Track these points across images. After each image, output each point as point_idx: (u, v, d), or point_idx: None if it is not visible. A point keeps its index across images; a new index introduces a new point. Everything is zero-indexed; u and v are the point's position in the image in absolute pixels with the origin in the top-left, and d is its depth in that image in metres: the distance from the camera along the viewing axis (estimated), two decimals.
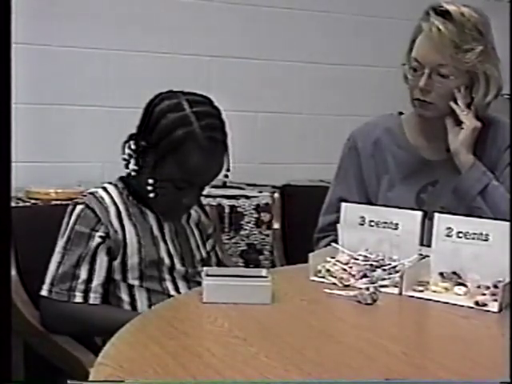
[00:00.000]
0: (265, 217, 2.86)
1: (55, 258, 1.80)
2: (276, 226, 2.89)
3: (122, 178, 1.88)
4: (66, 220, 1.82)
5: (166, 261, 1.82)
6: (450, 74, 1.87)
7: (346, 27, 3.36)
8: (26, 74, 2.57)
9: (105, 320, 1.72)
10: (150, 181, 1.76)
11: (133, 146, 1.80)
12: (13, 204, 2.26)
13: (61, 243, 1.80)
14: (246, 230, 2.82)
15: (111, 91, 2.94)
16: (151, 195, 1.77)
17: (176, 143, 1.72)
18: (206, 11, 3.10)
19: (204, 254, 1.94)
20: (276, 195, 2.93)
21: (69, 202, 2.38)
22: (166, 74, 2.93)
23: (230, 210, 2.79)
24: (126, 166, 1.83)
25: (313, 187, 3.03)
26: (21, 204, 2.38)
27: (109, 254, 1.79)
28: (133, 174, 1.81)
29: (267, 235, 2.87)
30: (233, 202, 2.79)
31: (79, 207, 1.80)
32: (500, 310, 1.45)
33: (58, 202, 2.40)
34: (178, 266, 1.84)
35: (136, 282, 1.80)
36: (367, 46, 3.39)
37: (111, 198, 1.82)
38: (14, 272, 1.98)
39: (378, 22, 3.41)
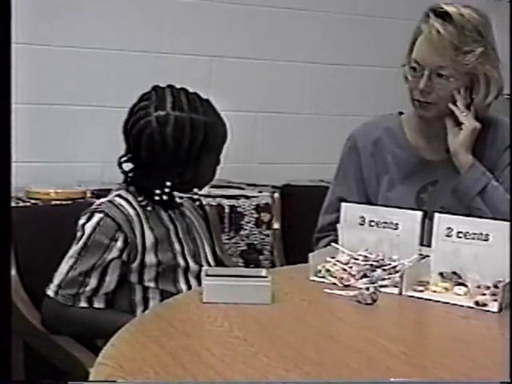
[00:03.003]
0: (265, 217, 2.86)
1: (67, 261, 1.78)
2: (276, 226, 2.89)
3: (127, 181, 1.87)
4: (81, 223, 1.80)
5: (182, 263, 1.84)
6: (449, 76, 1.86)
7: (346, 27, 3.36)
8: (26, 74, 2.57)
9: (108, 324, 1.72)
10: (196, 189, 1.91)
11: (169, 184, 1.82)
12: (13, 204, 2.25)
13: (75, 248, 1.78)
14: (246, 230, 2.82)
15: (111, 91, 2.94)
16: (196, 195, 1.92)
17: (202, 142, 1.81)
18: (205, 11, 3.09)
19: (211, 250, 1.96)
20: (276, 195, 2.93)
21: (69, 202, 2.39)
22: (165, 73, 2.93)
23: (229, 210, 2.78)
24: (128, 176, 1.86)
25: (313, 187, 3.03)
26: (21, 204, 2.38)
27: (125, 263, 1.79)
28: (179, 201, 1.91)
29: (267, 235, 2.87)
30: (233, 202, 2.79)
31: (98, 215, 1.78)
32: (500, 310, 1.45)
33: (58, 202, 2.40)
34: (191, 265, 1.85)
35: (152, 284, 1.81)
36: (367, 46, 3.39)
37: (129, 203, 1.82)
38: (14, 272, 1.98)
39: (378, 21, 3.40)
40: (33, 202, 2.42)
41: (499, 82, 1.91)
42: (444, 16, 1.85)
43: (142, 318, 1.43)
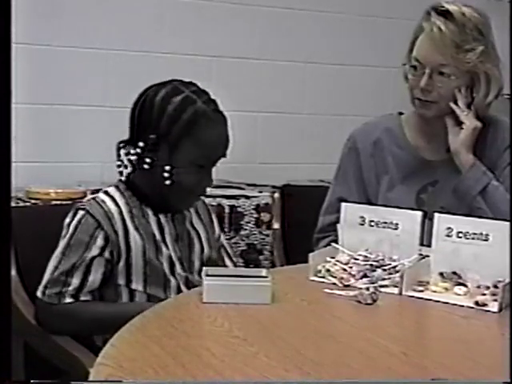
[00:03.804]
0: (265, 217, 2.86)
1: (53, 261, 1.79)
2: (276, 226, 2.89)
3: (121, 180, 1.86)
4: (67, 222, 1.80)
5: (168, 265, 1.81)
6: (450, 74, 1.87)
7: (346, 27, 3.36)
8: (26, 74, 2.57)
9: (95, 314, 1.73)
10: (167, 167, 1.75)
11: (141, 144, 1.76)
12: (13, 204, 2.25)
13: (60, 248, 1.79)
14: (245, 230, 2.82)
15: (111, 91, 2.94)
16: (167, 182, 1.76)
17: (188, 123, 1.75)
18: (206, 11, 3.10)
19: (206, 258, 1.92)
20: (276, 195, 2.92)
21: (69, 202, 2.39)
22: (166, 73, 2.92)
23: (229, 210, 2.78)
24: (121, 173, 1.83)
25: (313, 187, 3.03)
26: (21, 204, 2.38)
27: (109, 262, 1.77)
28: (146, 167, 1.78)
29: (267, 235, 2.87)
30: (233, 202, 2.79)
31: (80, 213, 1.78)
32: (500, 310, 1.45)
33: (58, 202, 2.40)
34: (179, 271, 1.83)
35: (139, 287, 1.79)
36: (367, 46, 3.39)
37: (113, 200, 1.81)
38: (14, 272, 1.98)
39: (378, 21, 3.40)
40: (33, 202, 2.42)
41: (499, 80, 1.92)
42: (445, 14, 1.86)
43: (141, 318, 1.43)
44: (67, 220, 1.81)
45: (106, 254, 1.77)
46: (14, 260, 2.00)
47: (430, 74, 1.87)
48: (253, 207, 2.83)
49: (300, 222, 2.67)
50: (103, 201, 1.80)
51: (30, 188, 2.50)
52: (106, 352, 1.19)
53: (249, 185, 3.02)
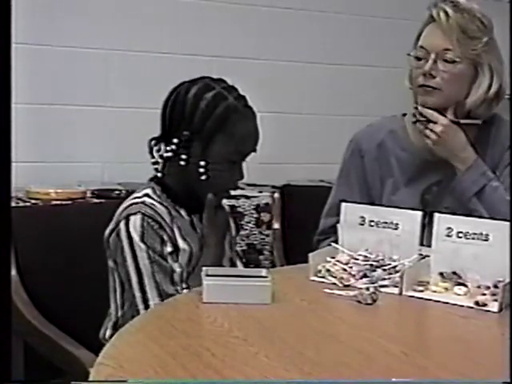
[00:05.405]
0: (265, 217, 2.86)
1: (146, 272, 1.70)
2: (276, 226, 2.90)
3: (153, 180, 1.83)
4: (123, 231, 1.71)
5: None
6: (455, 59, 1.86)
7: (346, 27, 3.36)
8: (26, 74, 2.57)
9: None
10: (202, 163, 1.76)
11: (175, 141, 1.76)
12: (13, 204, 2.26)
13: (141, 261, 1.70)
14: (246, 230, 2.82)
15: (111, 91, 2.94)
16: (203, 177, 1.76)
17: (221, 119, 1.77)
18: (205, 11, 3.10)
19: (228, 259, 1.92)
20: (276, 195, 2.93)
21: (69, 202, 2.40)
22: (166, 73, 2.93)
23: (230, 210, 2.78)
24: (157, 170, 1.82)
25: (313, 187, 3.03)
26: (21, 204, 2.38)
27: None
28: (182, 163, 1.78)
29: (267, 235, 2.87)
30: (233, 201, 2.79)
31: (136, 218, 1.71)
32: (500, 310, 1.45)
33: (58, 202, 2.40)
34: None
35: (183, 284, 1.76)
36: (367, 46, 3.39)
37: (159, 203, 1.78)
38: (14, 272, 1.98)
39: (378, 22, 3.41)
40: (33, 202, 2.42)
41: (501, 76, 1.91)
42: (453, 2, 1.87)
43: (142, 318, 1.43)
44: (122, 230, 1.72)
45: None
46: (14, 260, 2.00)
47: (435, 59, 1.86)
48: (253, 207, 2.84)
49: (300, 222, 2.68)
50: (153, 204, 1.76)
51: (30, 188, 2.50)
52: (106, 352, 1.19)
53: (249, 185, 3.02)
